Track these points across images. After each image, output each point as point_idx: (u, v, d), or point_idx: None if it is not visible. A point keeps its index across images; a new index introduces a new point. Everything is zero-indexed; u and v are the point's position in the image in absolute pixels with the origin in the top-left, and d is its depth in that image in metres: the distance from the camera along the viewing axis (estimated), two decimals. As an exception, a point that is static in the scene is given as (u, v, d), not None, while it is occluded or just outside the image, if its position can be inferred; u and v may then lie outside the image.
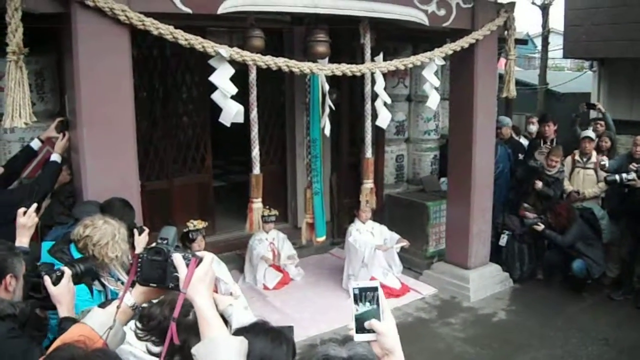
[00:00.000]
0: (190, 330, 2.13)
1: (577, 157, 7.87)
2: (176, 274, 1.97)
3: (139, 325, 2.48)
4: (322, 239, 7.05)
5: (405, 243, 7.42)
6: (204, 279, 1.95)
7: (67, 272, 2.95)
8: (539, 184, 7.65)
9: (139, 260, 2.04)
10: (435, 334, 6.41)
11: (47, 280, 2.90)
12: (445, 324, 6.63)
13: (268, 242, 7.45)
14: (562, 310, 6.92)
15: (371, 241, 7.24)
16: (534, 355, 5.91)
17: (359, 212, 7.38)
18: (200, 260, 1.98)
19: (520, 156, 8.55)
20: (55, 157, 5.04)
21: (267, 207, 7.22)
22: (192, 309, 2.03)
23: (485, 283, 7.34)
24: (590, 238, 7.27)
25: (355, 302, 1.83)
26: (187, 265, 1.96)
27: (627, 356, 5.92)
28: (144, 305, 2.32)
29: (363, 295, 1.84)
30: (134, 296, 2.15)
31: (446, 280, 7.44)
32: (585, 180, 7.73)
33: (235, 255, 8.06)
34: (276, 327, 2.13)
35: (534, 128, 9.46)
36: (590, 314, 6.84)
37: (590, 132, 7.97)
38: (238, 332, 1.99)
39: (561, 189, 7.80)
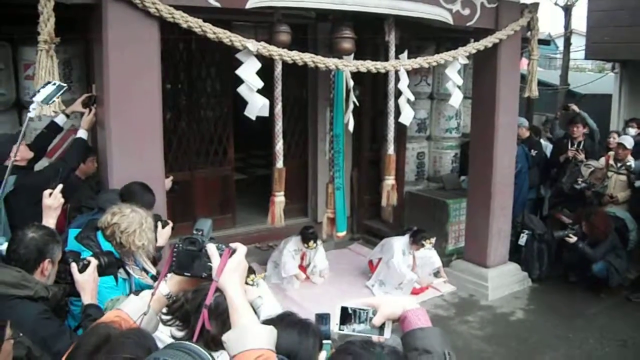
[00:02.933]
0: (210, 315, 2.20)
1: (610, 161, 7.84)
2: (210, 263, 2.02)
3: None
4: (342, 233, 7.06)
5: (445, 279, 7.48)
6: (236, 269, 2.00)
7: (94, 261, 3.05)
8: (589, 192, 7.74)
9: (175, 250, 2.09)
10: (453, 331, 6.42)
11: (74, 267, 3.00)
12: (463, 321, 6.66)
13: (301, 251, 7.38)
14: (581, 310, 6.91)
15: (411, 269, 7.22)
16: (552, 356, 5.92)
17: (414, 242, 7.27)
18: (233, 251, 2.03)
19: (533, 152, 8.56)
20: (82, 132, 5.09)
21: (314, 242, 7.25)
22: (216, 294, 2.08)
23: (503, 282, 7.35)
24: (618, 248, 7.26)
25: (349, 320, 1.89)
26: (221, 255, 2.01)
27: (645, 358, 5.94)
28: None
29: (356, 314, 1.90)
30: (168, 285, 2.21)
31: (465, 278, 7.46)
32: (617, 185, 7.71)
33: (255, 249, 8.11)
34: (304, 319, 2.17)
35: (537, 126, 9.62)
36: (608, 315, 6.83)
37: (625, 139, 7.91)
38: (265, 323, 2.02)
39: (602, 198, 7.84)
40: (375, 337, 1.90)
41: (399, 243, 7.30)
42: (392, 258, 7.17)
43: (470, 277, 7.41)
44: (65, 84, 4.12)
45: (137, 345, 1.80)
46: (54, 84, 3.97)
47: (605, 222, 7.20)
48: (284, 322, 2.15)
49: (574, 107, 9.21)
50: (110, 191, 4.71)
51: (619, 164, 7.73)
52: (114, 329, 1.96)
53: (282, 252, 7.30)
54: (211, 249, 2.03)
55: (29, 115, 3.95)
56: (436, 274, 7.51)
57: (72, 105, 5.23)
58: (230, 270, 1.98)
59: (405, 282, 7.09)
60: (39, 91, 3.95)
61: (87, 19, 4.98)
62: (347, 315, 1.93)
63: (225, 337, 1.87)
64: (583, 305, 7.05)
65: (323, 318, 2.40)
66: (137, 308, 2.18)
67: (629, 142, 7.79)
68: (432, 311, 6.85)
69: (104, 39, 4.55)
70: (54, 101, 4.02)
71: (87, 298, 3.02)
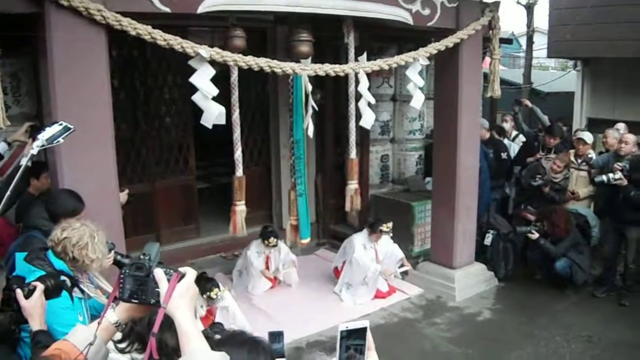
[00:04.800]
0: (165, 327, 2.11)
1: (571, 158, 7.87)
2: (158, 289, 1.95)
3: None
4: (306, 240, 7.01)
5: (408, 267, 7.46)
6: (185, 294, 1.93)
7: (40, 286, 2.92)
8: (547, 189, 7.72)
9: (121, 276, 2.02)
10: (421, 334, 6.40)
11: (19, 293, 2.86)
12: (431, 324, 6.62)
13: (265, 254, 7.30)
14: (547, 308, 6.94)
15: (375, 261, 7.17)
16: (519, 354, 5.92)
17: (372, 232, 7.23)
18: (182, 275, 1.96)
19: (504, 155, 8.55)
20: (25, 161, 4.97)
21: (275, 239, 7.13)
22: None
23: (470, 282, 7.35)
24: (581, 244, 7.29)
25: (340, 345, 1.81)
26: (169, 280, 1.94)
27: (611, 353, 5.95)
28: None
29: (348, 337, 1.82)
30: (117, 313, 2.15)
31: (432, 280, 7.44)
32: (579, 181, 7.74)
33: (220, 258, 8.00)
34: (254, 336, 2.10)
35: (507, 126, 9.66)
36: (574, 312, 6.87)
37: (584, 134, 7.97)
38: (214, 345, 1.95)
39: (564, 194, 7.83)
40: None
41: (359, 238, 7.29)
42: (354, 253, 7.13)
43: (437, 279, 7.38)
44: (72, 126, 4.05)
45: None
46: (61, 124, 3.90)
47: (565, 220, 7.22)
48: (233, 341, 2.07)
49: (527, 102, 9.33)
50: (36, 205, 4.62)
51: (579, 160, 7.76)
52: None
53: (246, 256, 7.28)
54: (159, 274, 1.96)
55: (32, 152, 3.87)
56: (401, 267, 7.49)
57: (15, 134, 5.11)
58: (178, 295, 1.91)
59: (369, 274, 7.03)
60: (44, 129, 3.88)
61: (33, 30, 4.82)
62: (342, 340, 1.83)
63: None
64: (549, 303, 7.07)
65: (276, 336, 2.31)
66: (84, 338, 2.11)
67: (588, 137, 7.86)
68: (400, 314, 6.83)
69: (48, 49, 4.40)
70: (58, 141, 3.95)
71: (35, 324, 2.89)
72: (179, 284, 1.93)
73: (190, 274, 1.99)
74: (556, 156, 8.01)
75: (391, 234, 7.28)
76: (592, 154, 7.74)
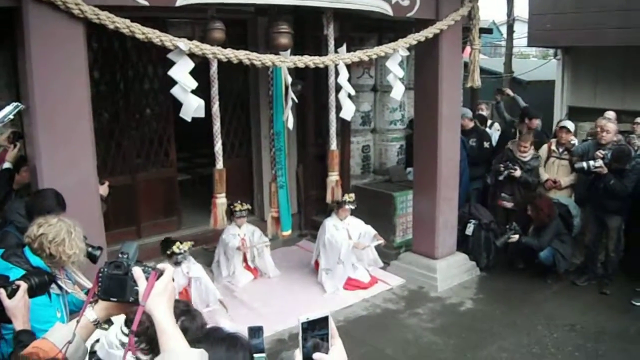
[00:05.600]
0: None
1: (553, 147, 7.87)
2: (136, 287, 1.96)
3: (125, 330, 2.45)
4: (287, 232, 7.02)
5: (381, 241, 7.42)
6: (163, 292, 1.93)
7: (23, 285, 2.89)
8: (518, 172, 7.69)
9: (100, 275, 2.02)
10: (403, 324, 6.42)
11: (2, 293, 2.83)
12: (413, 314, 6.64)
13: (240, 237, 7.32)
14: (528, 297, 6.99)
15: (347, 239, 7.18)
16: (501, 344, 5.95)
17: (338, 209, 7.28)
18: (160, 273, 1.97)
19: (486, 144, 8.57)
20: (7, 165, 5.12)
21: (240, 202, 7.24)
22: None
23: (452, 272, 7.38)
24: (563, 234, 7.33)
25: (304, 337, 1.79)
26: (147, 278, 1.94)
27: (593, 341, 5.99)
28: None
29: (311, 329, 1.81)
30: (96, 311, 2.14)
31: (414, 270, 7.46)
32: (560, 170, 7.72)
33: (202, 250, 7.96)
34: (232, 333, 2.10)
35: (483, 114, 9.71)
36: (555, 301, 6.92)
37: (567, 123, 8.00)
38: (192, 342, 1.95)
39: (537, 176, 7.81)
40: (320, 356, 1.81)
41: (329, 221, 7.35)
42: (326, 234, 7.19)
43: (419, 269, 7.40)
44: (21, 104, 4.02)
45: None
46: (12, 103, 3.93)
47: (548, 205, 7.25)
48: (211, 338, 2.06)
49: (508, 91, 9.37)
50: (15, 200, 4.64)
51: (561, 149, 7.77)
52: None
53: (221, 241, 7.37)
54: (137, 272, 1.97)
55: None
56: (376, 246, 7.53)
57: None
58: (157, 293, 1.92)
59: (343, 251, 7.08)
60: None
61: (11, 25, 4.77)
62: (305, 331, 1.82)
63: None
64: (531, 292, 7.13)
65: (255, 331, 2.31)
66: (63, 336, 2.10)
67: (571, 125, 7.87)
68: (382, 305, 6.85)
69: (26, 42, 4.37)
70: (9, 118, 3.95)
71: (18, 324, 2.86)
72: (157, 281, 1.93)
73: (168, 271, 1.99)
74: (520, 137, 8.00)
75: (355, 206, 7.30)
76: (575, 141, 7.76)
